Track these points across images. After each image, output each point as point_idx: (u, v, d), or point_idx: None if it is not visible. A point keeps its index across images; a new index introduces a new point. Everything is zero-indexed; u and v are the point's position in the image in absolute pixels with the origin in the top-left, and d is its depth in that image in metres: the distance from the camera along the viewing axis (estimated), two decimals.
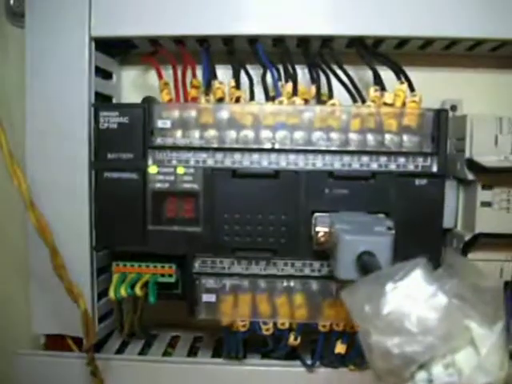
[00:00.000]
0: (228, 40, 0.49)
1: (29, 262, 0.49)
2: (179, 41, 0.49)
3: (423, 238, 0.44)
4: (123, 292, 0.46)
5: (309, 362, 0.49)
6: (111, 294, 0.46)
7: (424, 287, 0.30)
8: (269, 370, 0.49)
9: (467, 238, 0.46)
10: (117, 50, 0.53)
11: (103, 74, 0.52)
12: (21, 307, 0.58)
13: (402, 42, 0.49)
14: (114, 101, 0.55)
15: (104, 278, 0.52)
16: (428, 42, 0.49)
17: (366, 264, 0.36)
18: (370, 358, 0.30)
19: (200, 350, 0.54)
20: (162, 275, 0.47)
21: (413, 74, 0.46)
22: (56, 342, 0.52)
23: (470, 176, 0.45)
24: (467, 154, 0.45)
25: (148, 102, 0.50)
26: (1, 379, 0.61)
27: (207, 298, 0.46)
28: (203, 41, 0.49)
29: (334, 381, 0.49)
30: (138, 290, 0.46)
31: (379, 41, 0.49)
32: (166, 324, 0.57)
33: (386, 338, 0.29)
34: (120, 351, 0.53)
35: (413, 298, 0.29)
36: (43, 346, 0.52)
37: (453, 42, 0.49)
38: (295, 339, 0.47)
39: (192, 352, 0.54)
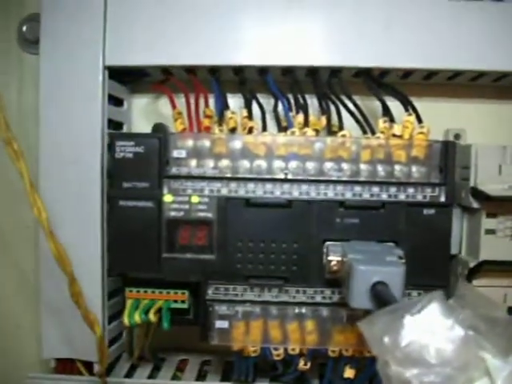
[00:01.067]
0: (238, 70, 0.50)
1: (40, 287, 0.50)
2: (190, 70, 0.50)
3: (431, 266, 0.45)
4: (137, 318, 0.47)
5: None
6: (125, 320, 0.47)
7: (441, 320, 0.31)
8: None
9: (472, 264, 0.46)
10: (128, 78, 0.54)
11: (115, 101, 0.53)
12: (31, 331, 0.59)
13: (407, 72, 0.51)
14: (125, 127, 0.56)
15: (114, 302, 0.52)
16: (432, 73, 0.51)
17: (379, 294, 0.37)
18: None
19: (209, 374, 0.54)
20: (175, 301, 0.48)
21: (416, 103, 0.48)
22: (66, 366, 0.52)
23: (475, 204, 0.46)
24: (472, 183, 0.46)
25: (159, 129, 0.51)
26: None
27: (220, 324, 0.47)
28: (214, 70, 0.50)
29: None
30: (152, 316, 0.47)
31: (385, 72, 0.50)
32: (174, 348, 0.58)
33: (405, 369, 0.30)
34: (129, 374, 0.54)
35: (430, 330, 0.30)
36: (53, 370, 0.52)
37: (456, 74, 0.51)
38: (305, 364, 0.48)
39: (201, 375, 0.54)
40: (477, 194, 0.46)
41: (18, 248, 0.60)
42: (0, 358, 0.62)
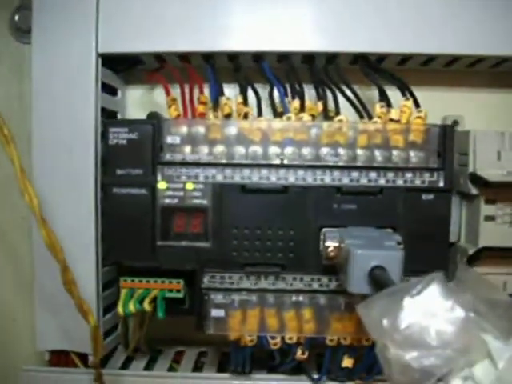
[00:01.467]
0: (233, 57, 0.50)
1: (34, 278, 0.49)
2: (184, 57, 0.50)
3: (430, 252, 0.45)
4: (132, 308, 0.46)
5: (315, 376, 0.49)
6: (120, 309, 0.46)
7: (441, 301, 0.30)
8: None
9: (471, 251, 0.46)
10: (122, 67, 0.53)
11: (109, 89, 0.53)
12: (26, 325, 0.58)
13: (405, 58, 0.50)
14: (119, 117, 0.55)
15: (109, 293, 0.52)
16: (430, 59, 0.50)
17: (378, 278, 0.36)
18: (389, 371, 0.30)
19: (205, 365, 0.54)
20: (170, 290, 0.47)
21: (414, 91, 0.47)
22: (60, 358, 0.51)
23: (474, 190, 0.46)
24: (470, 169, 0.46)
25: (153, 117, 0.50)
26: None
27: (216, 313, 0.46)
28: (208, 57, 0.49)
29: None
30: (146, 306, 0.46)
31: (382, 57, 0.50)
32: (170, 339, 0.57)
33: (405, 352, 0.29)
34: (125, 366, 0.53)
35: (430, 312, 0.30)
36: (48, 363, 0.52)
37: (454, 59, 0.50)
38: (303, 353, 0.47)
39: (197, 367, 0.54)
40: (475, 180, 0.45)
41: (13, 240, 0.59)
42: None
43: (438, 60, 0.50)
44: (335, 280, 0.46)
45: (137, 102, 0.57)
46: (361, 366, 0.48)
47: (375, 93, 0.48)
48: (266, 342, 0.47)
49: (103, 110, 0.50)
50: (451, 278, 0.42)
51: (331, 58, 0.49)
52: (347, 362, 0.48)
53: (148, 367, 0.53)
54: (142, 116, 0.52)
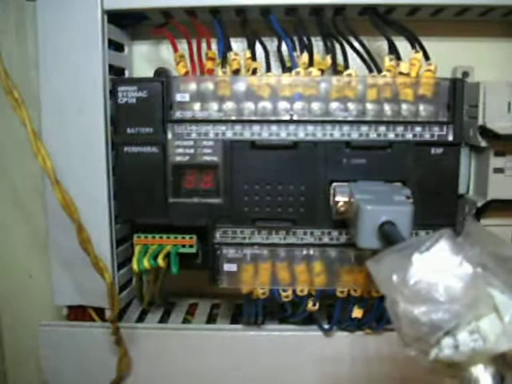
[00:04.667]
0: (240, 11, 0.49)
1: (49, 236, 0.50)
2: (191, 12, 0.49)
3: (439, 206, 0.45)
4: (146, 264, 0.47)
5: (326, 326, 0.50)
6: (134, 265, 0.47)
7: (450, 257, 0.30)
8: (287, 335, 0.51)
9: (480, 204, 0.46)
10: (128, 22, 0.53)
11: (115, 46, 0.52)
12: (42, 281, 0.60)
13: (414, 9, 0.49)
14: (127, 73, 0.55)
15: (122, 249, 0.53)
16: (440, 9, 0.49)
17: (387, 233, 0.36)
18: (398, 325, 0.31)
19: (218, 317, 0.55)
20: (183, 246, 0.48)
21: (424, 41, 0.46)
22: (77, 313, 0.53)
23: (483, 143, 0.46)
24: (480, 121, 0.45)
25: (161, 73, 0.50)
26: (26, 351, 0.63)
27: (228, 267, 0.47)
28: (215, 12, 0.48)
29: (351, 344, 0.50)
30: (160, 261, 0.47)
31: (391, 8, 0.49)
32: (183, 292, 0.59)
33: (414, 307, 0.30)
34: (140, 319, 0.55)
35: (439, 267, 0.30)
36: (65, 318, 0.53)
37: (464, 9, 0.49)
38: (313, 305, 0.48)
39: (211, 319, 0.55)
40: (485, 132, 0.45)
41: (26, 198, 0.60)
42: (13, 308, 0.63)
43: (447, 10, 0.49)
44: (345, 234, 0.46)
45: (143, 57, 0.57)
46: (370, 316, 0.49)
47: (383, 44, 0.47)
48: (277, 295, 0.48)
49: (110, 67, 0.50)
50: (459, 231, 0.43)
51: (339, 9, 0.48)
52: (357, 313, 0.49)
53: (162, 320, 0.55)
54: (150, 71, 0.52)
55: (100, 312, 0.52)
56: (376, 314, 0.48)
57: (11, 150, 0.59)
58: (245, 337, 0.51)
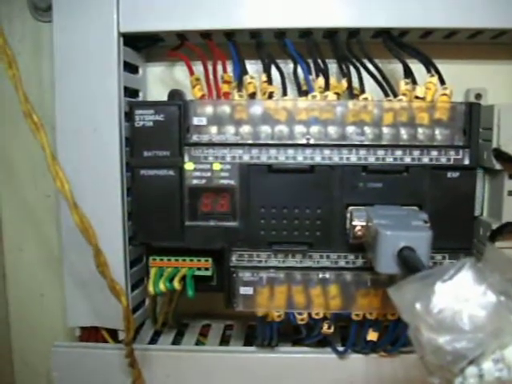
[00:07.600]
0: (255, 33, 0.49)
1: (63, 258, 0.50)
2: (206, 35, 0.49)
3: (455, 230, 0.45)
4: (162, 287, 0.47)
5: (340, 348, 0.50)
6: (150, 288, 0.47)
7: (473, 286, 0.31)
8: (301, 357, 0.51)
9: (494, 226, 0.46)
10: (143, 44, 0.53)
11: (130, 68, 0.52)
12: (54, 300, 0.60)
13: (427, 32, 0.50)
14: (141, 95, 0.55)
15: (136, 270, 0.53)
16: (453, 32, 0.50)
17: (407, 259, 0.36)
18: (421, 353, 0.31)
19: (232, 338, 0.55)
20: (199, 269, 0.48)
21: (436, 64, 0.46)
22: (90, 334, 0.53)
23: (498, 165, 0.46)
24: (494, 144, 0.45)
25: (175, 95, 0.50)
26: (38, 371, 0.62)
27: (245, 290, 0.47)
28: (230, 34, 0.49)
29: (365, 367, 0.50)
30: (176, 284, 0.47)
31: (404, 32, 0.49)
32: (196, 313, 0.59)
33: (438, 335, 0.30)
34: (153, 341, 0.55)
35: (462, 296, 0.30)
36: (78, 339, 0.53)
37: (478, 32, 0.49)
38: (329, 328, 0.48)
39: (224, 340, 0.55)
40: (499, 155, 0.45)
41: (40, 217, 0.60)
42: (24, 326, 0.63)
43: (460, 33, 0.50)
44: (361, 257, 0.46)
45: (157, 78, 0.57)
46: (385, 338, 0.49)
47: (397, 66, 0.48)
48: (293, 318, 0.48)
49: (125, 88, 0.50)
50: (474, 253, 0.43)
51: (354, 32, 0.48)
52: (372, 336, 0.49)
53: (176, 341, 0.55)
54: (164, 93, 0.52)
55: (113, 333, 0.52)
56: (391, 336, 0.48)
57: (26, 171, 0.59)
58: (258, 359, 0.51)
